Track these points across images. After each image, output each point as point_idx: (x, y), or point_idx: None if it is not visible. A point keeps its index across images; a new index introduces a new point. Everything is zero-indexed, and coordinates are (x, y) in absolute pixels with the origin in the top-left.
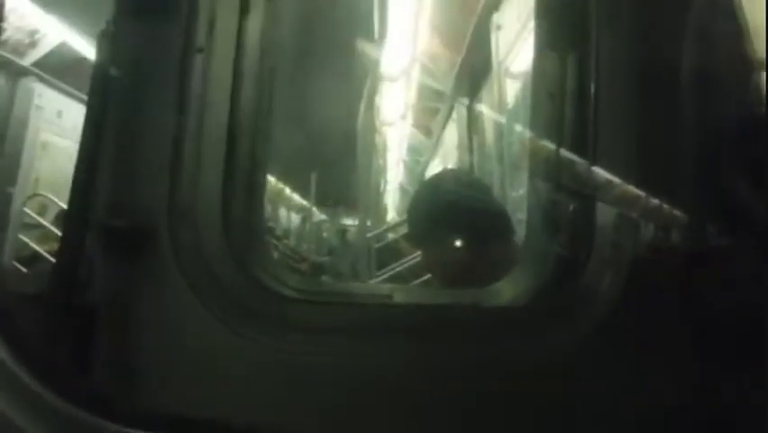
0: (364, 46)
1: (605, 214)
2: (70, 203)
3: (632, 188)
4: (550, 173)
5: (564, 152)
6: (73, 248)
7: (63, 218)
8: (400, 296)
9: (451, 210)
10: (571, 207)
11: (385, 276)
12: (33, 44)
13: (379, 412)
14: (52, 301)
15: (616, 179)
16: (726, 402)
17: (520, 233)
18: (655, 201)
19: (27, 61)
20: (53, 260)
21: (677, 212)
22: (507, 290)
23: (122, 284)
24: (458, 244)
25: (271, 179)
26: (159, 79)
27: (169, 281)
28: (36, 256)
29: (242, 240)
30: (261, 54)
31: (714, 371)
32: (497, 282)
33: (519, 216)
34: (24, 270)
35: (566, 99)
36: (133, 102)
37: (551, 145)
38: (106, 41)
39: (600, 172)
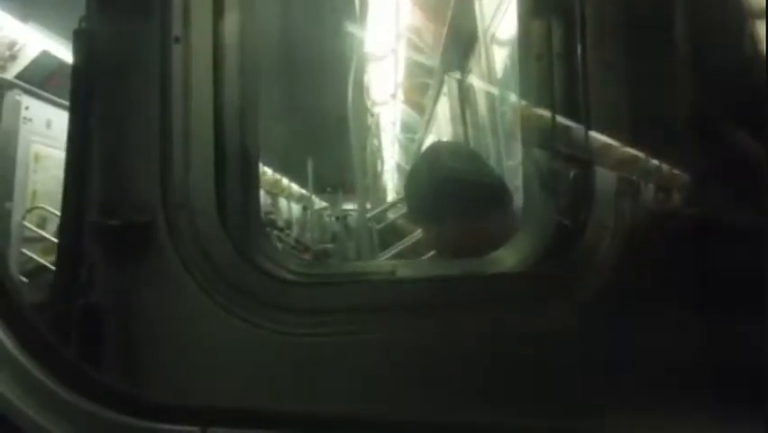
0: (347, 27)
1: (601, 176)
2: (64, 207)
3: (627, 149)
4: (543, 138)
5: (557, 116)
6: (72, 252)
7: (58, 224)
8: (403, 271)
9: (447, 182)
10: (566, 171)
11: (388, 256)
12: (14, 57)
13: (385, 388)
14: (58, 307)
15: (610, 141)
16: (727, 361)
17: (518, 201)
18: (651, 160)
19: (10, 74)
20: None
21: (673, 171)
22: (509, 257)
23: (125, 282)
24: (457, 216)
25: (268, 170)
26: (139, 73)
27: (170, 274)
28: (41, 268)
29: (239, 226)
30: (240, 38)
31: (715, 329)
32: (497, 250)
33: (517, 185)
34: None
35: (553, 60)
36: (116, 99)
37: (542, 110)
38: (82, 40)
39: (594, 134)
